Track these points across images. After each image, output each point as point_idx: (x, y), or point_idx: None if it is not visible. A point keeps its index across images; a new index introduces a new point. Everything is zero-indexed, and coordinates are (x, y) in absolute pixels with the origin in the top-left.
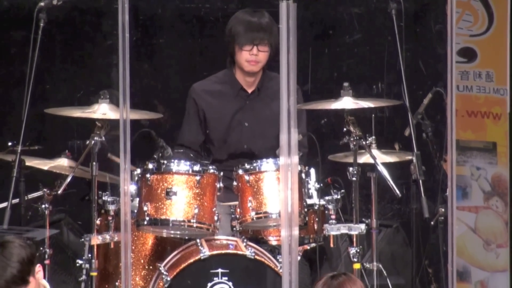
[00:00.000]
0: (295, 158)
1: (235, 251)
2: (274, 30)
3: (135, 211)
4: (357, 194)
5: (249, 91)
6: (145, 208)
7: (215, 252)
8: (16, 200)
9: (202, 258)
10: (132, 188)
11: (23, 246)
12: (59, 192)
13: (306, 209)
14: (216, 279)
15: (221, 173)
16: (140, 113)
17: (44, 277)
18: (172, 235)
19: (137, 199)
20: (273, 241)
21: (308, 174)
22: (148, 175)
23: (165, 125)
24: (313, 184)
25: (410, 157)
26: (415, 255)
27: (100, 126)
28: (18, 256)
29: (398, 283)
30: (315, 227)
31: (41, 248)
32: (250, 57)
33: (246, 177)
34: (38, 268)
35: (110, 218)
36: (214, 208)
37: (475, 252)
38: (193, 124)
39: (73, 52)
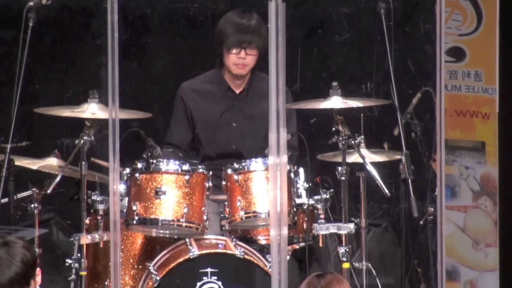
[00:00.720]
0: (284, 158)
1: (224, 251)
2: (262, 33)
3: (124, 210)
4: (346, 194)
5: (237, 91)
6: (134, 208)
7: (204, 251)
8: (5, 200)
9: (191, 257)
10: (121, 187)
11: (27, 248)
12: (49, 191)
13: (295, 209)
14: (205, 279)
15: (210, 173)
16: (129, 113)
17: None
18: (161, 235)
19: (126, 198)
20: (262, 240)
21: (297, 174)
22: (137, 175)
23: (155, 124)
24: (302, 184)
25: (399, 157)
26: (404, 255)
27: (89, 126)
28: (23, 256)
29: (388, 283)
30: (304, 227)
31: None
32: (238, 61)
33: (235, 177)
34: (38, 272)
35: (99, 217)
36: (204, 208)
37: (464, 251)
38: (181, 123)
39: (62, 52)
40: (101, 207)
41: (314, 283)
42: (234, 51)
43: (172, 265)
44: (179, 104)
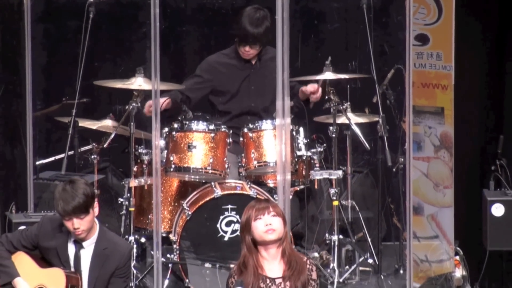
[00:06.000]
0: (288, 120)
1: (241, 192)
2: (268, 34)
3: (164, 160)
4: (335, 148)
5: (253, 62)
6: (171, 158)
7: (226, 192)
8: (71, 152)
9: (215, 197)
10: (161, 142)
11: (87, 184)
12: (105, 146)
13: (296, 159)
14: (226, 213)
15: (231, 131)
16: (167, 85)
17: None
18: (192, 179)
19: (165, 151)
20: (271, 183)
21: (298, 132)
22: (173, 133)
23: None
24: (302, 140)
25: (377, 119)
26: (380, 195)
27: (136, 95)
28: (84, 190)
29: (368, 216)
30: (303, 173)
31: None
32: (246, 53)
33: (250, 134)
34: (96, 204)
35: (144, 166)
36: (225, 158)
37: (427, 192)
38: (198, 85)
39: (116, 37)
40: (145, 158)
41: (251, 205)
42: (245, 47)
43: (201, 203)
44: (203, 73)
